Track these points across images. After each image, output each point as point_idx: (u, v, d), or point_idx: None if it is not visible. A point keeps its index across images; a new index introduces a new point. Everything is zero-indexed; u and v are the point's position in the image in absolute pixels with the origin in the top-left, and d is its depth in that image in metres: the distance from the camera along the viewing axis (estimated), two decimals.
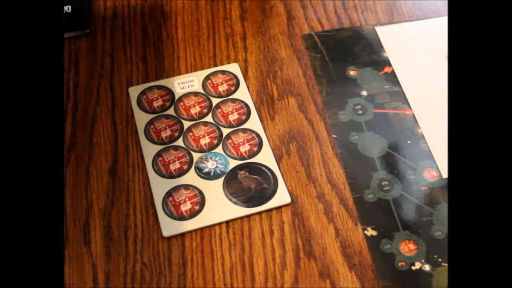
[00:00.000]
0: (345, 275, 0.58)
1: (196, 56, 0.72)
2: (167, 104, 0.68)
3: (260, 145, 0.65)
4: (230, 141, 0.66)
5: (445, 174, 0.63)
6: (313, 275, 0.58)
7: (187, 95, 0.69)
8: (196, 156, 0.65)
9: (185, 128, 0.67)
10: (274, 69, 0.71)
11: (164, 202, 0.62)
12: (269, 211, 0.62)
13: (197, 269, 0.58)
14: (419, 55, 0.72)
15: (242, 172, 0.64)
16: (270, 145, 0.65)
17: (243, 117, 0.67)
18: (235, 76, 0.70)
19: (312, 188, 0.63)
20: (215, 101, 0.69)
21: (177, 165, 0.64)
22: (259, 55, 0.72)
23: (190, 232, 0.60)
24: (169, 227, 0.60)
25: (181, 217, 0.61)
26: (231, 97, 0.69)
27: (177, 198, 0.62)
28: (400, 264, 0.58)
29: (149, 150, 0.65)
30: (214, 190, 0.62)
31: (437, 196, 0.62)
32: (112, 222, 0.61)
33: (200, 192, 0.62)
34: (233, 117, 0.67)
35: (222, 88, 0.69)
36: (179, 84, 0.70)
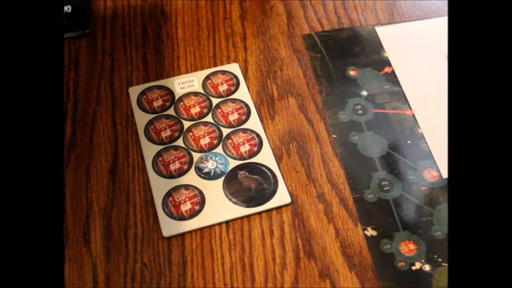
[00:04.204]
0: (345, 275, 0.58)
1: (196, 56, 0.72)
2: (167, 104, 0.68)
3: (260, 145, 0.65)
4: (230, 141, 0.66)
5: (445, 174, 0.63)
6: (313, 275, 0.58)
7: (187, 95, 0.69)
8: (196, 156, 0.65)
9: (185, 128, 0.67)
10: (274, 69, 0.71)
11: (164, 202, 0.62)
12: (269, 211, 0.62)
13: (197, 269, 0.58)
14: (419, 55, 0.72)
15: (242, 172, 0.64)
16: (270, 145, 0.65)
17: (243, 117, 0.67)
18: (235, 76, 0.70)
19: (312, 188, 0.63)
20: (215, 101, 0.69)
21: (177, 165, 0.64)
22: (259, 55, 0.72)
23: (190, 232, 0.60)
24: (169, 227, 0.60)
25: (181, 217, 0.61)
26: (231, 97, 0.69)
27: (177, 198, 0.62)
28: (400, 264, 0.58)
29: (149, 150, 0.65)
30: (214, 190, 0.62)
31: (437, 196, 0.62)
32: (112, 222, 0.61)
33: (200, 192, 0.62)
34: (233, 117, 0.67)
35: (222, 88, 0.69)
36: (179, 84, 0.70)
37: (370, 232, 0.60)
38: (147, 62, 0.72)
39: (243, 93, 0.69)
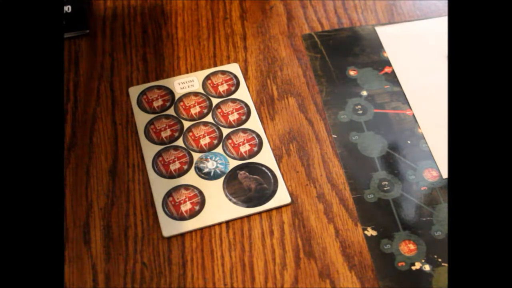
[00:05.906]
0: (345, 275, 0.58)
1: (196, 56, 0.72)
2: (167, 104, 0.68)
3: (260, 145, 0.65)
4: (230, 141, 0.66)
5: (445, 174, 0.63)
6: (313, 275, 0.58)
7: (187, 95, 0.69)
8: (196, 156, 0.65)
9: (185, 128, 0.67)
10: (274, 69, 0.71)
11: (164, 202, 0.62)
12: (269, 211, 0.62)
13: (197, 269, 0.58)
14: (419, 55, 0.72)
15: (242, 172, 0.64)
16: (270, 145, 0.65)
17: (243, 117, 0.67)
18: (235, 76, 0.70)
19: (312, 188, 0.63)
20: (215, 101, 0.69)
21: (177, 165, 0.64)
22: (259, 55, 0.72)
23: (190, 232, 0.60)
24: (169, 227, 0.60)
25: (181, 217, 0.61)
26: (231, 97, 0.69)
27: (177, 198, 0.62)
28: (400, 264, 0.58)
29: (149, 150, 0.65)
30: (214, 190, 0.62)
31: (437, 196, 0.62)
32: (112, 222, 0.61)
33: (200, 192, 0.62)
34: (233, 117, 0.67)
35: (222, 88, 0.69)
36: (179, 84, 0.70)
37: (370, 232, 0.60)
38: (147, 62, 0.72)
39: (243, 93, 0.69)
